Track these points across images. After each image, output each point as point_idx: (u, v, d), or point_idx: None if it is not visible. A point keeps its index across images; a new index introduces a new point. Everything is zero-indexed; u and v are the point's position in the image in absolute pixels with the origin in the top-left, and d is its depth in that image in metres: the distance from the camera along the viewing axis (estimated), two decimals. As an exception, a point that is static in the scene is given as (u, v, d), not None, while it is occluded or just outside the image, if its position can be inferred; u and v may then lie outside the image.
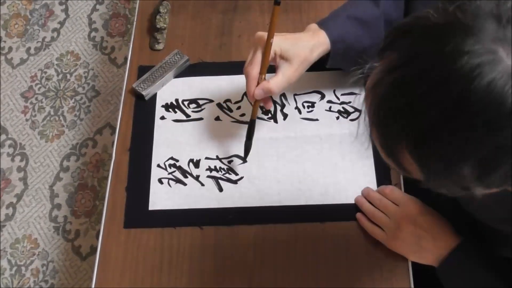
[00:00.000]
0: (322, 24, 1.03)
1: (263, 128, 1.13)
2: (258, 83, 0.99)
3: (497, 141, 0.55)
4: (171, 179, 1.10)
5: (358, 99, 1.13)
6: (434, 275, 0.96)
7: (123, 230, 1.07)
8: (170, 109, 1.17)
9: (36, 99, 2.14)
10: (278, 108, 1.14)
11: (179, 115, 1.16)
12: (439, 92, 0.56)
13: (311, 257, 1.02)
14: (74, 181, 1.98)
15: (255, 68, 0.99)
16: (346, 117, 1.12)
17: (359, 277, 1.00)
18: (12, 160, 2.05)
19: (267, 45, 0.97)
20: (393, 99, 0.60)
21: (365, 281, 1.00)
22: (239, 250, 1.03)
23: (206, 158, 1.11)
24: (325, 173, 1.08)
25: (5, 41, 2.27)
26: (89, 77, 2.16)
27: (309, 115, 1.13)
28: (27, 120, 2.11)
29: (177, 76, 1.20)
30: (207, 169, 1.10)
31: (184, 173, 1.10)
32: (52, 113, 2.10)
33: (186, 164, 1.11)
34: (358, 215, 1.03)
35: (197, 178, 1.09)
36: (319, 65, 1.04)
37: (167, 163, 1.11)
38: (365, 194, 1.04)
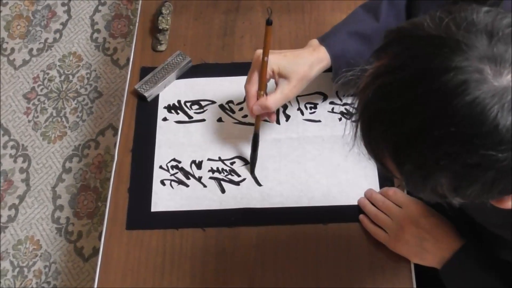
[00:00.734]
0: (323, 40, 1.03)
1: (265, 130, 1.13)
2: (258, 98, 1.01)
3: (473, 160, 0.56)
4: (174, 180, 1.10)
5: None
6: (436, 277, 0.96)
7: (125, 231, 1.06)
8: (173, 111, 1.17)
9: (39, 100, 2.14)
10: (281, 109, 1.14)
11: (182, 117, 1.16)
12: (421, 104, 0.56)
13: (313, 259, 1.02)
14: (76, 183, 1.98)
15: (253, 86, 1.01)
16: (349, 119, 1.12)
17: (361, 279, 1.00)
18: (15, 161, 2.05)
19: (262, 64, 0.98)
20: (377, 104, 0.60)
21: (367, 283, 1.00)
22: (241, 251, 1.03)
23: (209, 159, 1.11)
24: (328, 174, 1.08)
25: (7, 42, 2.27)
26: (91, 78, 2.16)
27: (312, 117, 1.13)
28: (29, 121, 2.11)
29: (180, 77, 1.20)
30: (209, 171, 1.10)
31: (187, 174, 1.10)
32: (54, 114, 2.10)
33: (188, 165, 1.11)
34: (361, 216, 1.03)
35: (199, 179, 1.09)
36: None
37: (169, 165, 1.11)
38: (368, 195, 1.04)
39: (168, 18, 1.26)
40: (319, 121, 1.13)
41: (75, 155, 2.03)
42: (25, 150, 2.06)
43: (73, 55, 2.21)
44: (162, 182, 1.10)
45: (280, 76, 1.00)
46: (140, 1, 1.32)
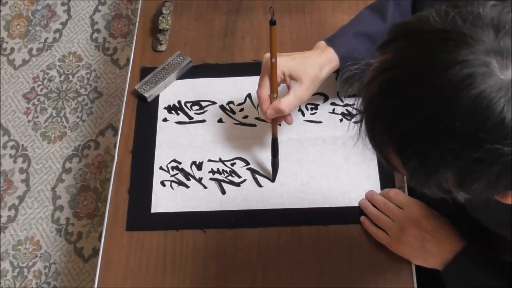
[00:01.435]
0: (330, 41, 1.03)
1: (265, 130, 1.12)
2: (271, 102, 1.00)
3: (478, 154, 0.55)
4: (174, 181, 1.09)
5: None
6: (437, 278, 0.95)
7: (125, 232, 1.06)
8: (173, 111, 1.16)
9: (38, 100, 2.13)
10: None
11: (182, 117, 1.15)
12: (426, 98, 0.56)
13: (315, 260, 1.01)
14: (76, 183, 1.98)
15: (264, 90, 1.00)
16: (350, 119, 1.12)
17: (362, 280, 1.00)
18: (14, 161, 2.04)
19: (271, 66, 0.97)
20: (382, 98, 0.60)
21: (368, 284, 0.99)
22: (242, 252, 1.03)
23: (209, 160, 1.11)
24: (329, 175, 1.07)
25: (7, 42, 2.27)
26: (91, 78, 2.16)
27: (313, 117, 1.13)
28: (29, 121, 2.10)
29: (180, 77, 1.19)
30: (209, 172, 1.10)
31: (187, 175, 1.10)
32: (54, 114, 2.10)
33: (188, 166, 1.11)
34: (362, 218, 1.03)
35: (199, 180, 1.09)
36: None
37: (169, 166, 1.11)
38: (369, 197, 1.04)
39: (169, 18, 1.25)
40: (320, 122, 1.12)
41: (75, 155, 2.03)
42: (25, 150, 2.05)
43: (73, 55, 2.21)
44: (162, 183, 1.09)
45: (291, 78, 1.00)
46: (140, 1, 1.32)
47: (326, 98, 1.14)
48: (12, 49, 2.25)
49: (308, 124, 1.12)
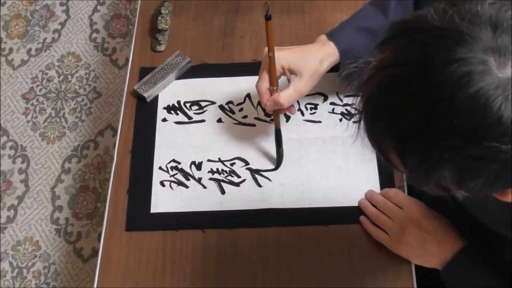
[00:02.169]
0: (331, 35, 1.03)
1: (265, 130, 1.12)
2: (271, 95, 1.01)
3: (476, 152, 0.56)
4: (173, 181, 1.09)
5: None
6: (437, 278, 0.95)
7: (124, 233, 1.06)
8: (172, 111, 1.16)
9: (37, 100, 2.13)
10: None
11: (181, 117, 1.15)
12: (424, 96, 0.56)
13: (315, 260, 1.01)
14: (75, 183, 1.98)
15: (263, 84, 1.00)
16: (349, 119, 1.12)
17: (362, 280, 1.00)
18: (13, 162, 2.04)
19: (269, 60, 0.97)
20: (380, 96, 0.61)
21: (368, 284, 0.99)
22: (242, 253, 1.03)
23: (208, 160, 1.11)
24: (328, 175, 1.07)
25: (5, 42, 2.26)
26: (90, 78, 2.15)
27: (312, 117, 1.13)
28: (28, 121, 2.10)
29: (179, 77, 1.19)
30: (209, 172, 1.10)
31: (186, 175, 1.10)
32: (53, 114, 2.10)
33: (188, 166, 1.10)
34: (362, 218, 1.03)
35: (199, 180, 1.09)
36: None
37: (169, 166, 1.11)
38: (369, 197, 1.04)
39: (168, 18, 1.25)
40: (320, 121, 1.12)
41: (74, 155, 2.02)
42: (24, 150, 2.05)
43: (71, 55, 2.20)
44: (162, 183, 1.09)
45: (291, 72, 1.00)
46: (139, 1, 1.31)
47: (325, 98, 1.14)
48: (11, 50, 2.25)
49: (307, 124, 1.12)
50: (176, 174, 1.10)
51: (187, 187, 1.09)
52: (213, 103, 1.16)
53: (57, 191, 1.97)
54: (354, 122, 1.10)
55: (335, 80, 1.12)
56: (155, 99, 1.18)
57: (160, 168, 1.11)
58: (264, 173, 1.09)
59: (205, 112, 1.16)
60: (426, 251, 0.95)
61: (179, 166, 1.11)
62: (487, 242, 0.94)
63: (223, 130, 1.13)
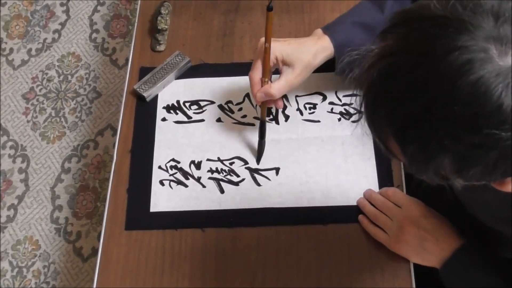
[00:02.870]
0: (327, 29, 1.03)
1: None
2: (262, 86, 1.01)
3: (476, 140, 0.56)
4: (173, 180, 1.09)
5: (360, 100, 1.13)
6: (435, 277, 0.96)
7: (124, 232, 1.06)
8: (172, 111, 1.16)
9: (37, 100, 2.14)
10: (280, 109, 1.14)
11: (181, 117, 1.16)
12: (425, 84, 0.57)
13: (313, 259, 1.01)
14: (75, 183, 1.98)
15: (256, 73, 1.01)
16: (348, 119, 1.12)
17: (360, 279, 1.00)
18: (13, 161, 2.04)
19: (264, 51, 0.98)
20: (381, 85, 0.61)
21: (366, 283, 0.99)
22: (241, 252, 1.03)
23: (208, 159, 1.11)
24: (327, 175, 1.08)
25: (6, 43, 2.27)
26: (90, 78, 2.16)
27: (311, 117, 1.13)
28: (28, 121, 2.10)
29: (179, 77, 1.20)
30: (208, 171, 1.10)
31: (186, 174, 1.10)
32: (53, 114, 2.10)
33: (187, 165, 1.11)
34: (361, 217, 1.03)
35: (198, 179, 1.09)
36: (321, 67, 1.04)
37: (168, 165, 1.11)
38: (367, 196, 1.04)
39: (167, 18, 1.26)
40: (319, 121, 1.12)
41: (74, 155, 2.03)
42: (24, 150, 2.06)
43: (72, 55, 2.21)
44: (161, 182, 1.09)
45: (284, 63, 1.00)
46: (139, 1, 1.32)
47: (324, 98, 1.15)
48: (11, 50, 2.25)
49: (306, 124, 1.12)
50: (176, 173, 1.10)
51: (186, 186, 1.09)
52: (212, 102, 1.17)
53: (57, 190, 1.97)
54: (353, 121, 1.11)
55: (333, 80, 1.12)
56: (155, 98, 1.18)
57: (160, 167, 1.11)
58: (263, 173, 1.09)
59: (205, 112, 1.16)
60: (425, 250, 0.95)
61: (179, 166, 1.11)
62: (486, 240, 0.94)
63: (223, 130, 1.14)
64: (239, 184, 1.08)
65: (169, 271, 1.03)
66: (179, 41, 1.24)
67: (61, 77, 2.17)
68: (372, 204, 1.03)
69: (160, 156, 1.12)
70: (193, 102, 1.17)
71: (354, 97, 1.14)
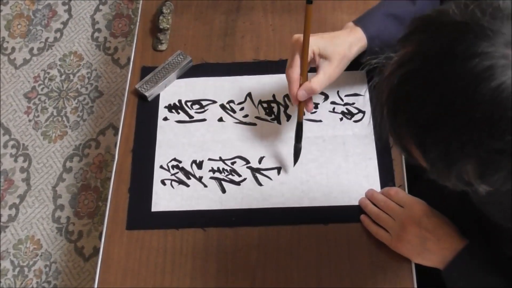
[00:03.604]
0: (359, 22, 1.03)
1: (266, 130, 1.12)
2: (300, 85, 1.00)
3: (498, 146, 0.56)
4: (174, 180, 1.09)
5: (361, 100, 1.13)
6: (437, 277, 0.95)
7: (126, 231, 1.06)
8: (173, 110, 1.16)
9: (39, 99, 2.14)
10: (282, 109, 1.14)
11: (182, 116, 1.16)
12: (446, 90, 0.57)
13: (315, 259, 1.01)
14: (77, 182, 1.98)
15: (295, 71, 0.99)
16: (350, 119, 1.12)
17: (362, 279, 1.00)
18: (15, 160, 2.05)
19: (304, 47, 0.97)
20: (401, 91, 0.61)
21: (368, 283, 0.99)
22: (242, 251, 1.03)
23: (209, 159, 1.11)
24: (329, 174, 1.07)
25: (8, 42, 2.27)
26: (92, 77, 2.16)
27: (313, 116, 1.13)
28: (30, 120, 2.10)
29: (180, 77, 1.20)
30: (210, 170, 1.10)
31: (187, 174, 1.10)
32: (55, 113, 2.10)
33: (189, 165, 1.11)
34: (363, 217, 1.03)
35: (200, 179, 1.09)
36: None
37: (170, 164, 1.11)
38: (369, 195, 1.04)
39: (169, 17, 1.26)
40: (320, 121, 1.12)
41: (75, 154, 2.03)
42: (26, 149, 2.06)
43: (73, 54, 2.21)
44: (163, 182, 1.09)
45: (321, 57, 0.99)
46: (141, 1, 1.32)
47: (326, 97, 1.14)
48: (13, 49, 2.25)
49: (308, 123, 1.12)
50: (177, 173, 1.10)
51: (188, 186, 1.09)
52: (214, 102, 1.17)
53: (58, 190, 1.98)
54: (354, 121, 1.11)
55: (336, 79, 1.12)
56: (156, 98, 1.18)
57: (161, 167, 1.11)
58: (264, 172, 1.09)
59: (206, 111, 1.16)
60: (426, 250, 0.95)
61: (180, 165, 1.11)
62: (493, 239, 0.94)
63: (224, 129, 1.14)
64: (241, 183, 1.08)
65: (170, 271, 1.03)
66: (181, 40, 1.24)
67: (63, 76, 2.17)
68: (374, 204, 1.03)
69: (162, 155, 1.12)
70: (195, 102, 1.17)
71: (356, 97, 1.13)
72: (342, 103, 1.14)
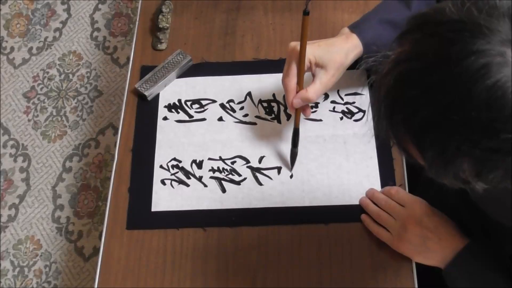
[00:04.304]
0: (354, 28, 1.03)
1: (266, 129, 1.12)
2: (296, 92, 1.00)
3: (494, 144, 0.56)
4: (174, 180, 1.09)
5: (362, 99, 1.13)
6: (438, 276, 0.95)
7: (126, 231, 1.06)
8: (173, 110, 1.16)
9: (38, 99, 2.13)
10: (282, 108, 1.14)
11: (182, 116, 1.15)
12: (441, 89, 0.57)
13: (315, 259, 1.01)
14: (76, 182, 1.98)
15: (292, 80, 1.00)
16: (350, 118, 1.12)
17: (363, 278, 1.00)
18: (15, 160, 2.04)
19: (301, 57, 0.97)
20: (398, 91, 0.61)
21: (369, 282, 0.99)
22: (242, 251, 1.03)
23: (209, 159, 1.11)
24: (329, 174, 1.07)
25: (7, 41, 2.26)
26: (91, 77, 2.15)
27: (313, 116, 1.12)
28: (29, 120, 2.10)
29: (180, 76, 1.19)
30: (210, 170, 1.10)
31: (187, 174, 1.10)
32: (54, 113, 2.10)
33: (189, 165, 1.10)
34: (363, 216, 1.03)
35: (200, 179, 1.09)
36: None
37: (169, 164, 1.11)
38: (370, 195, 1.04)
39: (169, 16, 1.25)
40: (320, 120, 1.12)
41: (75, 154, 2.03)
42: (25, 149, 2.05)
43: (73, 53, 2.21)
44: (163, 182, 1.09)
45: (317, 66, 0.99)
46: (140, 0, 1.32)
47: (326, 96, 1.14)
48: (12, 48, 2.25)
49: (308, 123, 1.12)
50: (177, 172, 1.10)
51: (188, 185, 1.09)
52: (214, 101, 1.16)
53: (58, 189, 1.97)
54: (355, 120, 1.11)
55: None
56: (156, 97, 1.18)
57: (161, 166, 1.11)
58: (265, 172, 1.09)
59: (206, 111, 1.16)
60: (427, 249, 0.95)
61: (180, 165, 1.11)
62: (495, 238, 0.94)
63: (224, 129, 1.13)
64: (241, 183, 1.08)
65: (171, 271, 1.02)
66: (181, 39, 1.24)
67: (62, 76, 2.17)
68: (374, 203, 1.02)
69: (162, 155, 1.12)
70: (195, 101, 1.17)
71: (357, 96, 1.13)
72: (342, 102, 1.14)
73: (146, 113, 1.16)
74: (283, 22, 1.23)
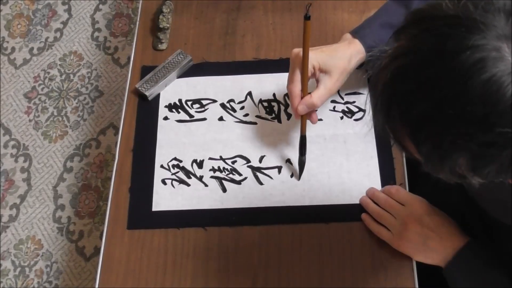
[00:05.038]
0: (356, 33, 1.03)
1: (266, 128, 1.12)
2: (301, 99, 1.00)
3: (489, 139, 0.56)
4: (175, 179, 1.09)
5: (362, 99, 1.13)
6: (438, 275, 0.95)
7: (126, 231, 1.06)
8: (174, 110, 1.16)
9: (39, 99, 2.13)
10: (282, 108, 1.14)
11: (183, 115, 1.16)
12: (437, 83, 0.57)
13: (316, 258, 1.01)
14: (77, 182, 1.98)
15: (297, 86, 0.99)
16: (350, 117, 1.12)
17: (363, 278, 1.00)
18: (16, 160, 2.04)
19: (304, 63, 0.97)
20: (394, 85, 0.62)
21: (369, 282, 0.99)
22: (243, 250, 1.03)
23: (210, 158, 1.11)
24: (330, 173, 1.07)
25: (8, 42, 2.27)
26: (92, 77, 2.16)
27: (313, 115, 1.13)
28: (30, 120, 2.10)
29: (180, 76, 1.19)
30: (210, 170, 1.10)
31: (188, 173, 1.10)
32: (55, 113, 2.10)
33: (189, 164, 1.11)
34: (364, 215, 1.03)
35: (200, 178, 1.09)
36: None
37: (170, 164, 1.11)
38: (370, 194, 1.04)
39: (169, 16, 1.25)
40: (321, 119, 1.12)
41: (76, 154, 2.03)
42: (26, 149, 2.06)
43: (73, 54, 2.21)
44: (163, 182, 1.09)
45: (321, 71, 1.00)
46: (141, 0, 1.32)
47: (326, 96, 1.14)
48: (13, 49, 2.25)
49: (308, 122, 1.12)
50: (178, 172, 1.10)
51: (188, 185, 1.09)
52: (214, 101, 1.16)
53: (59, 189, 1.97)
54: (355, 120, 1.11)
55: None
56: (157, 97, 1.18)
57: (162, 166, 1.11)
58: (265, 171, 1.09)
59: (207, 111, 1.16)
60: (428, 248, 0.95)
61: (181, 164, 1.11)
62: (495, 236, 0.94)
63: (225, 128, 1.13)
64: (241, 183, 1.08)
65: (172, 270, 1.03)
66: (181, 39, 1.24)
67: (63, 76, 2.17)
68: (375, 203, 1.03)
69: (162, 155, 1.12)
70: (195, 101, 1.17)
71: (357, 95, 1.13)
72: (343, 101, 1.14)
73: (146, 113, 1.16)
74: (283, 22, 1.24)
